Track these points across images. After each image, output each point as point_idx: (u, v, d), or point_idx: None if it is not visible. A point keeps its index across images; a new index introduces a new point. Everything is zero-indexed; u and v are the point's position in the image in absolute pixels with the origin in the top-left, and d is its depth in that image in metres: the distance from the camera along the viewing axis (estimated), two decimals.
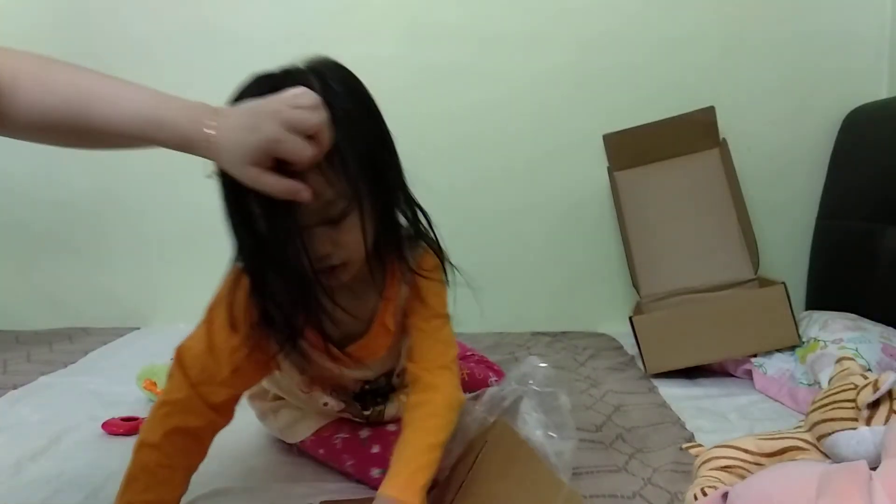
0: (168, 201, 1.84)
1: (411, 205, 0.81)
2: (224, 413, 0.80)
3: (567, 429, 0.89)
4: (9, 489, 0.92)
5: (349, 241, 0.72)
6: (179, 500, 0.77)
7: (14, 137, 0.65)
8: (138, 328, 1.81)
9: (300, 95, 0.62)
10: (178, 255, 1.85)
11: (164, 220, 1.85)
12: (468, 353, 1.31)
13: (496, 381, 1.19)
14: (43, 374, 1.43)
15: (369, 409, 0.99)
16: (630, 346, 1.55)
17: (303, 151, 0.62)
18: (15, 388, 1.34)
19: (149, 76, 2.05)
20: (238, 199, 0.67)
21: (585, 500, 0.88)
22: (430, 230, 0.84)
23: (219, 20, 1.74)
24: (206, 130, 0.62)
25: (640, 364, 1.43)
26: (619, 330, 1.65)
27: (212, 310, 0.78)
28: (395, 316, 0.88)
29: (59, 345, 1.69)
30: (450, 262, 0.90)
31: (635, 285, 1.59)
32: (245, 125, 0.61)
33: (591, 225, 1.77)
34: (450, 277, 0.91)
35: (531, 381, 0.93)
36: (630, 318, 1.39)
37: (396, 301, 0.87)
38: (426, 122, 1.74)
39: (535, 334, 1.75)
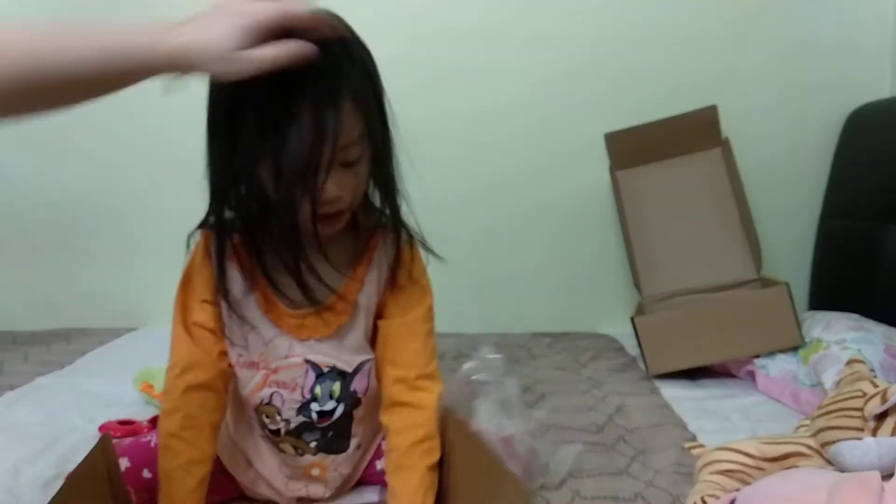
0: (165, 202, 1.83)
1: (394, 181, 0.81)
2: (229, 366, 0.82)
3: (517, 414, 0.88)
4: (6, 492, 0.91)
5: (356, 186, 0.73)
6: (211, 459, 0.80)
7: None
8: (135, 329, 1.80)
9: None
10: (175, 256, 1.83)
11: (162, 221, 1.84)
12: None
13: None
14: (40, 374, 1.42)
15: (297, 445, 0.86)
16: (632, 347, 1.55)
17: (298, 4, 0.61)
18: (12, 388, 1.33)
19: None
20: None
21: (587, 501, 0.87)
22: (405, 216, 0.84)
23: None
24: (176, 39, 0.58)
25: (641, 365, 1.43)
26: (621, 331, 1.64)
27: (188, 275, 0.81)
28: (363, 295, 0.83)
29: (56, 346, 1.68)
30: (428, 248, 0.87)
31: (637, 285, 1.59)
32: (222, 17, 0.58)
33: (593, 225, 1.76)
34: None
35: (474, 376, 0.92)
36: (632, 319, 1.39)
37: (368, 282, 0.83)
38: (427, 123, 1.73)
39: (536, 335, 1.75)
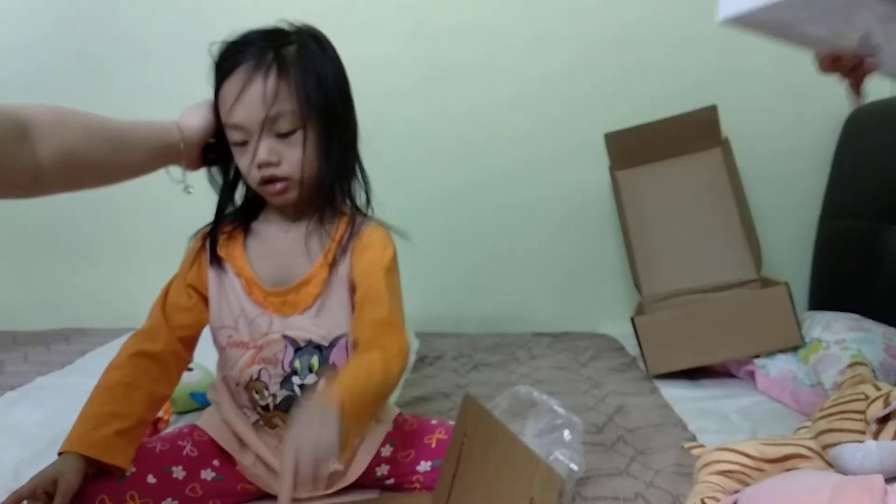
0: (165, 202, 1.82)
1: (356, 170, 0.92)
2: (186, 344, 0.90)
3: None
4: (7, 492, 0.91)
5: (294, 158, 0.84)
6: (140, 424, 0.84)
7: (42, 192, 0.72)
8: (135, 329, 1.80)
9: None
10: (175, 257, 1.84)
11: (162, 222, 1.84)
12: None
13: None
14: (40, 374, 1.42)
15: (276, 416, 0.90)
16: (631, 347, 1.55)
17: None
18: (12, 388, 1.33)
19: (148, 76, 2.04)
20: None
21: (587, 502, 0.87)
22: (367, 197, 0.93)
23: (218, 20, 1.72)
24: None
25: (641, 365, 1.43)
26: (621, 330, 1.64)
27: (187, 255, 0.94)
28: (335, 270, 0.89)
29: (56, 345, 1.68)
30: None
31: (637, 285, 1.59)
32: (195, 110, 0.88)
33: (593, 224, 1.76)
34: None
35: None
36: (632, 319, 1.39)
37: (339, 259, 0.89)
38: (427, 122, 1.73)
39: (536, 335, 1.75)
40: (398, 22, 1.73)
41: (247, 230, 0.91)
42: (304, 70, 0.84)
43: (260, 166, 0.83)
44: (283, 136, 0.83)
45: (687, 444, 1.01)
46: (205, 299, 0.91)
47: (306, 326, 0.88)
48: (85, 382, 1.34)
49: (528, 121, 1.75)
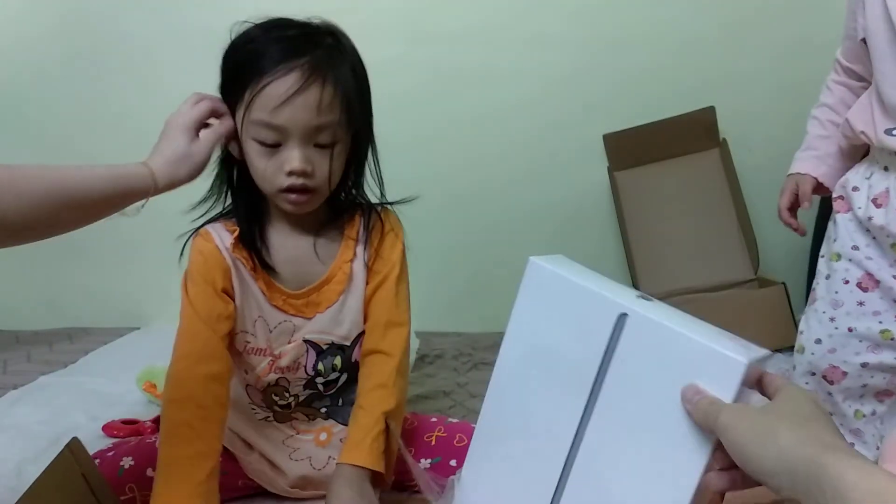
0: (167, 202, 1.83)
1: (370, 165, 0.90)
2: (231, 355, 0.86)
3: None
4: (9, 490, 0.92)
5: (326, 171, 0.80)
6: (218, 454, 0.80)
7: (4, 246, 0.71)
8: (138, 328, 1.81)
9: (185, 103, 0.80)
10: (177, 256, 1.85)
11: (164, 221, 1.85)
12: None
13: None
14: (43, 374, 1.43)
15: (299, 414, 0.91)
16: None
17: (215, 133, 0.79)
18: (15, 388, 1.34)
19: (148, 77, 2.04)
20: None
21: None
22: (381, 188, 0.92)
23: (219, 22, 1.73)
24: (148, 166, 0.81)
25: None
26: None
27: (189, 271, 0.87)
28: (356, 264, 0.89)
29: (59, 345, 1.69)
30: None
31: (635, 285, 1.59)
32: (169, 134, 0.80)
33: (592, 225, 1.77)
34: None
35: None
36: None
37: (357, 254, 0.90)
38: (427, 123, 1.74)
39: None
40: (396, 25, 1.73)
41: (253, 234, 0.87)
42: (354, 80, 0.81)
43: (291, 174, 0.78)
44: (321, 146, 0.79)
45: None
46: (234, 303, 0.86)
47: (328, 328, 0.88)
48: (88, 382, 1.37)
49: (528, 123, 1.76)
